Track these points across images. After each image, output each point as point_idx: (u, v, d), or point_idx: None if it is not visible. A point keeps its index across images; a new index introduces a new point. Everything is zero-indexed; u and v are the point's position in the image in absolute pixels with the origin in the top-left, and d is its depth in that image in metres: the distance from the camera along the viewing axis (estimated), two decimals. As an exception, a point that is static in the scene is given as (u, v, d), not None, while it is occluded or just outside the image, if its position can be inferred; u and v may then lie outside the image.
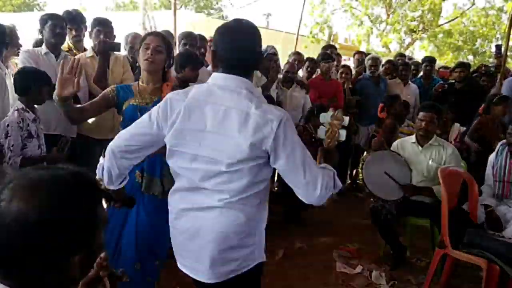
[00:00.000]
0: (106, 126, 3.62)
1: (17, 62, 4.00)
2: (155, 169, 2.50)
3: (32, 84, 2.99)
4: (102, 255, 1.28)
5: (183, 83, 3.37)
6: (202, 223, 1.72)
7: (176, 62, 3.43)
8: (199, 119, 1.67)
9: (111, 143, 1.84)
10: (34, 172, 0.96)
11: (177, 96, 1.73)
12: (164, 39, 2.58)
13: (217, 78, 1.72)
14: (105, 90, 2.55)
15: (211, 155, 1.66)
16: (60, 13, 3.88)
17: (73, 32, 4.08)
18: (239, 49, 1.69)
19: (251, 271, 1.77)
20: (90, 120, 3.40)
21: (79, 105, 2.55)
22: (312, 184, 1.64)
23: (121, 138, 1.82)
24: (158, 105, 1.76)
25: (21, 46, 4.07)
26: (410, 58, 8.26)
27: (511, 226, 3.37)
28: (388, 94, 5.90)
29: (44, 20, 3.53)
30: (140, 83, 2.57)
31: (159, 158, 2.31)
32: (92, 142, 3.69)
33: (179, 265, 1.86)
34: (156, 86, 2.55)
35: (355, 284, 3.38)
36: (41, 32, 3.58)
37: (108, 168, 1.84)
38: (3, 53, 3.47)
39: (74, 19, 4.08)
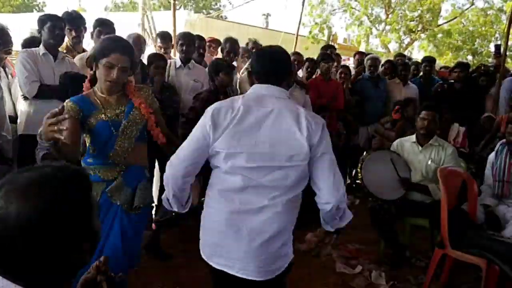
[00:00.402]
0: None
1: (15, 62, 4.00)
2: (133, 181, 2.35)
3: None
4: (102, 258, 1.31)
5: (221, 88, 3.87)
6: (256, 224, 1.82)
7: (210, 71, 3.92)
8: (253, 120, 1.82)
9: (169, 172, 1.91)
10: (21, 174, 0.98)
11: (223, 104, 1.88)
12: (130, 53, 2.29)
13: (260, 88, 1.93)
14: (67, 113, 1.88)
15: (268, 152, 1.80)
16: (60, 14, 3.88)
17: (73, 33, 4.09)
18: (274, 64, 1.95)
19: (289, 267, 1.94)
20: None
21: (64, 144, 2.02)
22: (338, 185, 1.86)
23: (179, 164, 1.89)
24: (203, 118, 1.87)
25: (12, 45, 4.04)
26: (410, 59, 8.27)
27: (510, 226, 3.38)
28: (387, 94, 5.91)
29: (42, 21, 3.52)
30: (100, 94, 2.31)
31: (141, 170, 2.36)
32: None
33: (217, 266, 1.90)
34: (119, 94, 2.35)
35: (354, 284, 3.38)
36: (39, 32, 3.56)
37: (174, 195, 1.93)
38: None
39: (74, 20, 4.08)
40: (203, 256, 1.96)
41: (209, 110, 1.87)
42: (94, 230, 1.03)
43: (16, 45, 4.29)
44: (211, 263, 1.93)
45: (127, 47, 2.31)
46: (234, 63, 4.99)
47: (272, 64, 1.95)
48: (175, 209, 2.02)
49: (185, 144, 1.91)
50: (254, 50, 5.48)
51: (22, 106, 3.54)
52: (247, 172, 1.81)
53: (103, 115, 2.27)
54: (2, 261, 0.92)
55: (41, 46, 3.53)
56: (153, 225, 2.70)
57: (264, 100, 1.87)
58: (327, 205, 1.87)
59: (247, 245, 1.82)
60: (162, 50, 4.82)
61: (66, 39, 4.19)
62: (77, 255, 0.99)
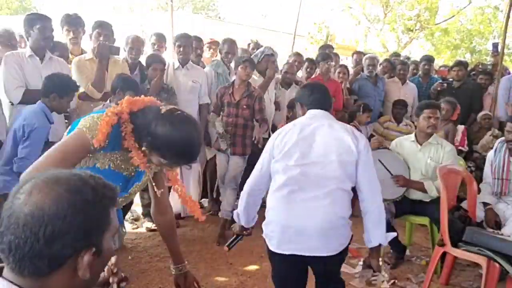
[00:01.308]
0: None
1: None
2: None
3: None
4: (113, 260, 1.31)
5: (239, 81, 4.18)
6: (320, 206, 2.19)
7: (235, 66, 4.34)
8: (309, 131, 2.30)
9: (245, 189, 2.43)
10: (54, 171, 1.01)
11: (284, 128, 2.38)
12: None
13: (313, 111, 2.42)
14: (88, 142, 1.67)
15: (322, 150, 2.24)
16: (58, 16, 3.89)
17: (71, 34, 4.09)
18: (323, 95, 2.51)
19: (348, 244, 2.32)
20: None
21: None
22: (378, 191, 2.40)
23: (253, 180, 2.42)
24: (268, 143, 2.40)
25: (15, 48, 4.04)
26: (408, 58, 8.27)
27: (510, 223, 3.39)
28: (386, 93, 5.92)
29: (31, 20, 3.43)
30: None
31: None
32: None
33: (288, 252, 2.23)
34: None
35: (355, 284, 3.38)
36: (27, 32, 3.46)
37: (246, 209, 2.45)
38: None
39: (73, 21, 4.10)
40: (271, 249, 2.29)
41: (275, 134, 2.40)
42: (99, 246, 1.00)
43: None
44: (280, 252, 2.25)
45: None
46: (232, 64, 5.00)
47: (320, 95, 2.49)
48: (242, 223, 2.50)
49: (257, 165, 2.43)
50: (254, 50, 5.49)
51: (11, 112, 3.50)
52: (305, 167, 2.21)
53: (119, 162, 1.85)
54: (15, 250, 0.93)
55: (27, 47, 3.48)
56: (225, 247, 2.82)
57: (317, 118, 2.36)
58: (372, 206, 2.32)
59: (316, 226, 2.17)
60: (156, 46, 4.85)
61: (66, 39, 4.21)
62: (71, 262, 0.96)
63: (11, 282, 0.95)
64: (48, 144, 3.16)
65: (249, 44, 5.94)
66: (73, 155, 1.65)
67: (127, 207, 3.94)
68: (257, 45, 5.72)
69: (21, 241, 0.92)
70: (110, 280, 1.31)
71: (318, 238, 2.18)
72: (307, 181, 2.20)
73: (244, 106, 4.13)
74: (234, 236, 2.61)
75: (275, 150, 2.31)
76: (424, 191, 3.56)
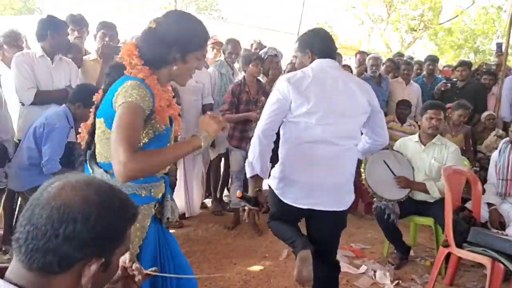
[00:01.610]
0: None
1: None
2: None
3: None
4: (128, 256, 1.33)
5: (250, 78, 4.32)
6: (337, 165, 2.34)
7: (242, 63, 4.45)
8: (325, 88, 2.28)
9: (255, 133, 2.34)
10: (86, 175, 1.04)
11: (297, 73, 2.33)
12: None
13: (324, 62, 2.37)
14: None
15: (341, 110, 2.29)
16: (63, 16, 3.90)
17: (75, 33, 4.11)
18: (331, 42, 2.46)
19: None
20: None
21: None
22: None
23: (261, 122, 2.33)
24: (280, 84, 2.30)
25: (22, 49, 4.05)
26: (411, 58, 8.25)
27: (514, 224, 3.38)
28: (389, 93, 5.90)
29: (48, 23, 3.46)
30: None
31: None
32: None
33: (304, 206, 2.35)
34: None
35: (359, 284, 3.37)
36: (42, 35, 3.48)
37: (261, 154, 2.31)
38: None
39: (78, 21, 4.13)
40: (286, 201, 2.36)
41: (284, 78, 2.31)
42: (110, 261, 1.01)
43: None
44: (298, 205, 2.35)
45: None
46: (236, 65, 5.00)
47: (330, 42, 2.44)
48: (258, 171, 2.33)
49: (266, 106, 2.34)
50: (257, 50, 5.49)
51: (20, 112, 3.52)
52: (326, 126, 2.26)
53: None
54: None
55: (38, 48, 3.50)
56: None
57: (329, 72, 2.34)
58: (382, 144, 2.57)
59: (334, 182, 2.35)
60: None
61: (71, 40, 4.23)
62: (77, 269, 0.97)
63: (12, 283, 0.95)
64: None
65: (252, 45, 5.94)
66: (138, 130, 1.58)
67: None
68: (260, 45, 5.72)
69: (39, 233, 0.92)
70: (136, 279, 1.34)
71: (334, 194, 2.36)
72: (327, 140, 2.28)
73: (259, 104, 4.18)
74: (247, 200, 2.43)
75: (293, 103, 2.26)
76: (426, 192, 3.55)
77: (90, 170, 1.72)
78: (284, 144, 2.38)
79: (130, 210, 1.04)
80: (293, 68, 5.16)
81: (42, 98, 3.42)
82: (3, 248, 3.43)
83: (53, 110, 3.28)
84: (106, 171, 1.68)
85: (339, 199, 2.39)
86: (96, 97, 1.79)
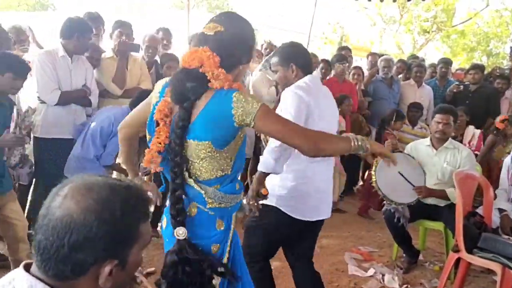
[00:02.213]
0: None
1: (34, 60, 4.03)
2: None
3: None
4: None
5: None
6: (328, 176, 2.52)
7: None
8: (322, 103, 2.39)
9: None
10: (93, 177, 1.03)
11: (312, 88, 2.36)
12: None
13: (312, 79, 2.43)
14: None
15: (333, 122, 2.50)
16: (75, 13, 3.93)
17: (93, 31, 4.16)
18: (310, 57, 2.57)
19: None
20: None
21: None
22: None
23: None
24: (303, 98, 2.29)
25: (25, 43, 4.07)
26: (422, 60, 8.20)
27: (526, 230, 3.34)
28: (401, 96, 5.87)
29: (74, 28, 3.49)
30: None
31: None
32: None
33: (316, 218, 2.45)
34: None
35: (367, 287, 3.36)
36: (67, 38, 3.51)
37: (284, 159, 2.26)
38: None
39: (95, 19, 4.18)
40: (294, 216, 2.38)
41: (303, 90, 2.31)
42: (124, 259, 1.01)
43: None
44: (307, 219, 2.42)
45: None
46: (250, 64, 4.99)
47: (310, 57, 2.54)
48: (279, 171, 2.26)
49: (289, 115, 2.23)
50: (267, 51, 5.48)
51: (39, 109, 3.56)
52: None
53: None
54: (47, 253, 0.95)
55: (60, 48, 3.54)
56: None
57: (319, 85, 2.47)
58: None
59: (330, 191, 2.54)
60: (164, 41, 4.85)
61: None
62: (93, 271, 0.98)
63: (38, 278, 0.97)
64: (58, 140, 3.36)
65: (262, 45, 5.93)
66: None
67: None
68: (270, 46, 5.70)
69: (48, 243, 0.95)
70: (137, 273, 1.34)
71: (329, 200, 2.53)
72: None
73: None
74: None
75: (311, 115, 2.31)
76: (447, 199, 3.51)
77: (202, 191, 1.65)
78: (299, 158, 2.24)
79: (138, 208, 1.03)
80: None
81: (64, 99, 3.50)
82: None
83: (117, 110, 3.42)
84: (215, 187, 1.66)
85: (329, 205, 2.54)
86: (164, 109, 1.64)
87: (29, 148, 3.56)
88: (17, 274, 1.00)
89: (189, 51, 1.66)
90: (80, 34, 3.49)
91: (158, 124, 1.63)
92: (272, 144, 2.22)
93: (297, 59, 2.41)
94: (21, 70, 2.82)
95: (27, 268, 1.00)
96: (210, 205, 1.65)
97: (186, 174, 1.63)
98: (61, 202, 0.96)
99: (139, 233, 1.03)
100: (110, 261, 0.98)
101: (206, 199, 1.64)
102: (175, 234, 1.59)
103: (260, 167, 2.28)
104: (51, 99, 3.45)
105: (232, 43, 1.65)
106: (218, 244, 1.71)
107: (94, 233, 0.95)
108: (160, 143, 1.61)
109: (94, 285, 0.99)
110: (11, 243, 2.88)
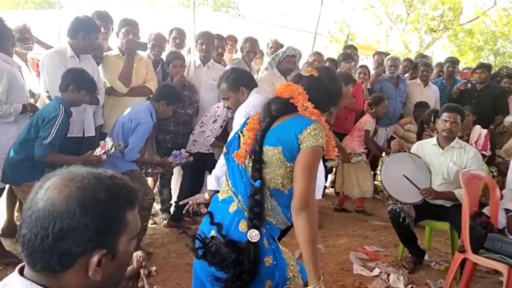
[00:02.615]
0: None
1: (38, 58, 4.04)
2: None
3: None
4: (140, 253, 1.37)
5: None
6: None
7: None
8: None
9: None
10: (78, 168, 1.02)
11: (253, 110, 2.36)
12: None
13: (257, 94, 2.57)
14: None
15: None
16: (83, 11, 3.95)
17: (101, 30, 4.18)
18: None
19: None
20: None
21: None
22: None
23: None
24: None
25: (30, 42, 4.08)
26: (430, 58, 8.15)
27: (533, 231, 3.31)
28: (407, 95, 5.85)
29: (79, 28, 3.51)
30: None
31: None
32: None
33: None
34: None
35: (372, 287, 3.35)
36: (73, 37, 3.54)
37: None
38: (7, 48, 3.39)
39: (104, 18, 4.20)
40: None
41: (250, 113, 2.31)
42: (112, 249, 0.99)
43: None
44: None
45: None
46: (253, 64, 5.00)
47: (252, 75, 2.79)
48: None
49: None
50: (273, 50, 5.47)
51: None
52: None
53: None
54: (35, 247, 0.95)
55: (68, 47, 3.56)
56: None
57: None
58: None
59: None
60: (177, 40, 4.78)
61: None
62: (80, 263, 0.96)
63: (32, 281, 0.96)
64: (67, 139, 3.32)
65: (268, 44, 5.92)
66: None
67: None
68: (276, 44, 5.69)
69: (32, 236, 0.94)
70: (141, 273, 1.37)
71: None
72: None
73: None
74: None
75: None
76: (456, 200, 3.48)
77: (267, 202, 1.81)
78: None
79: (122, 195, 1.01)
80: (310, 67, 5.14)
81: None
82: None
83: (139, 106, 3.63)
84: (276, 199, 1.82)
85: None
86: (254, 123, 1.88)
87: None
88: (11, 278, 0.99)
89: (283, 84, 1.91)
90: (85, 33, 3.51)
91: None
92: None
93: (245, 81, 2.63)
94: (93, 87, 3.30)
95: (21, 271, 0.99)
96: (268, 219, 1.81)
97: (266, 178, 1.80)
98: (43, 194, 0.95)
99: (126, 221, 1.01)
100: (97, 250, 0.96)
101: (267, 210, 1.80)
102: (248, 235, 1.71)
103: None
104: None
105: (320, 89, 1.89)
106: (271, 256, 1.79)
107: (77, 220, 0.93)
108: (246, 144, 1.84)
109: (84, 278, 0.97)
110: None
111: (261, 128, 1.85)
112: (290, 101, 1.84)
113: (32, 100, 3.76)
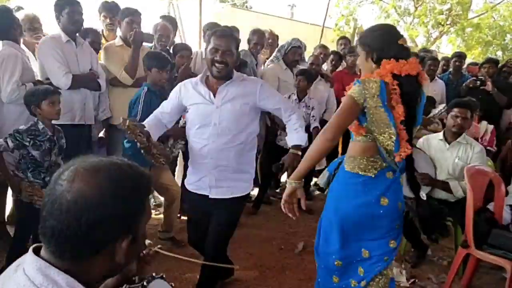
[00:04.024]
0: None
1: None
2: None
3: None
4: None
5: None
6: None
7: None
8: None
9: None
10: (95, 158, 1.05)
11: None
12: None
13: None
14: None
15: None
16: (88, 2, 3.94)
17: (107, 20, 4.16)
18: None
19: None
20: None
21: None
22: None
23: None
24: None
25: (39, 31, 4.08)
26: (430, 52, 8.08)
27: (537, 227, 3.30)
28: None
29: (60, 6, 3.50)
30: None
31: None
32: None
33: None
34: None
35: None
36: (57, 18, 3.53)
37: None
38: (16, 37, 3.40)
39: (111, 9, 4.18)
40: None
41: None
42: (137, 233, 1.06)
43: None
44: None
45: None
46: (260, 56, 4.98)
47: None
48: None
49: None
50: (270, 41, 5.45)
51: None
52: None
53: None
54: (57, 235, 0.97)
55: (61, 32, 3.54)
56: None
57: None
58: None
59: None
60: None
61: (102, 25, 4.28)
62: (110, 249, 1.02)
63: (49, 262, 0.99)
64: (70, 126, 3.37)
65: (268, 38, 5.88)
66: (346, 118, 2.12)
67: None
68: (273, 35, 5.63)
69: (63, 227, 0.96)
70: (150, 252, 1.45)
71: None
72: None
73: None
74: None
75: None
76: (449, 191, 3.49)
77: None
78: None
79: (143, 184, 1.07)
80: (315, 59, 5.13)
81: (76, 83, 3.49)
82: None
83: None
84: None
85: None
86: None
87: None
88: (26, 257, 1.02)
89: (411, 61, 2.16)
90: (70, 10, 3.46)
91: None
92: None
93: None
94: (163, 63, 3.40)
95: (36, 252, 1.02)
96: None
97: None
98: (69, 186, 0.98)
99: (146, 207, 1.08)
100: (125, 236, 1.02)
101: None
102: (421, 195, 2.48)
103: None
104: (64, 82, 3.42)
105: None
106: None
107: (109, 210, 0.98)
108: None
109: (109, 261, 1.03)
110: (169, 202, 3.73)
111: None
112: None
113: None
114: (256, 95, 2.55)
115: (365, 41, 2.27)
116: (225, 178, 2.58)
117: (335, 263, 2.32)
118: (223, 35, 2.47)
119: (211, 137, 2.51)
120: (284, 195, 2.17)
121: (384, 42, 2.19)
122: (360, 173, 2.21)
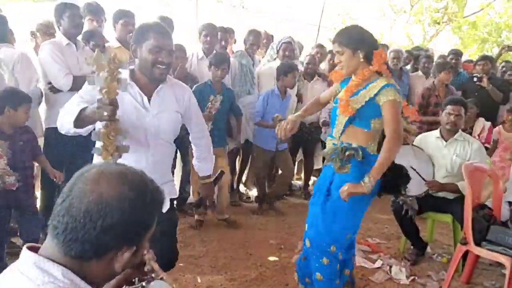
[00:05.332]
0: None
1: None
2: None
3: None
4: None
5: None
6: None
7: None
8: None
9: None
10: (120, 166, 1.08)
11: None
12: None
13: None
14: None
15: None
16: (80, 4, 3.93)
17: (94, 23, 4.14)
18: None
19: None
20: None
21: None
22: None
23: None
24: None
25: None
26: (427, 50, 8.09)
27: (535, 224, 3.31)
28: (410, 87, 5.83)
29: (60, 10, 3.51)
30: None
31: None
32: None
33: None
34: None
35: (374, 279, 3.36)
36: (57, 22, 3.55)
37: None
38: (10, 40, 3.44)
39: (96, 11, 4.15)
40: None
41: None
42: (140, 246, 1.08)
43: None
44: None
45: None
46: (256, 56, 4.99)
47: None
48: None
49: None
50: (265, 41, 5.46)
51: (47, 98, 3.56)
52: None
53: None
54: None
55: (61, 36, 3.55)
56: None
57: None
58: None
59: None
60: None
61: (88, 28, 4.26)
62: (111, 256, 1.03)
63: (51, 259, 1.00)
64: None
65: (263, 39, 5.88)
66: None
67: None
68: (267, 35, 5.64)
69: (78, 225, 0.97)
70: (146, 258, 1.40)
71: None
72: None
73: None
74: None
75: None
76: (459, 192, 3.47)
77: None
78: None
79: (159, 199, 1.10)
80: (312, 59, 5.13)
81: (77, 84, 3.42)
82: None
83: None
84: None
85: None
86: None
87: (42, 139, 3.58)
88: (21, 256, 1.02)
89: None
90: (70, 14, 3.47)
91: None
92: None
93: None
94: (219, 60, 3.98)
95: (33, 250, 1.03)
96: None
97: None
98: (93, 187, 0.99)
99: (154, 221, 1.09)
100: (130, 247, 1.03)
101: None
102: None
103: None
104: (65, 84, 3.41)
105: None
106: None
107: (126, 218, 0.99)
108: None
109: (107, 267, 1.04)
110: (221, 187, 3.99)
111: None
112: None
113: None
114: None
115: (348, 41, 2.46)
116: None
117: (347, 237, 2.75)
118: (165, 32, 2.19)
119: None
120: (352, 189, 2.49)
121: (366, 36, 2.49)
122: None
